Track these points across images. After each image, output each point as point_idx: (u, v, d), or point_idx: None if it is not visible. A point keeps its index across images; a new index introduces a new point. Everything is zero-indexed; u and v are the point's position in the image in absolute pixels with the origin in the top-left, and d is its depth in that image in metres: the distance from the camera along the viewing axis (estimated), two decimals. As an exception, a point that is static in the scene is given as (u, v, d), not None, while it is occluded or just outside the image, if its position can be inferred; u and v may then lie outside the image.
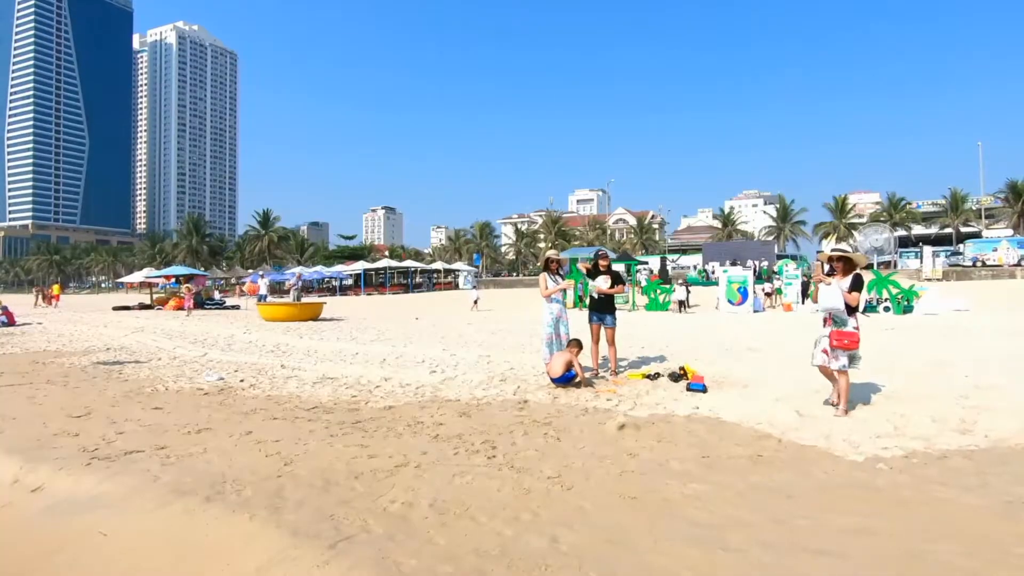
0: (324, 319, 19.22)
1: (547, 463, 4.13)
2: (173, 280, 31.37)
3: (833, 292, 5.24)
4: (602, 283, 7.46)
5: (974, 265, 48.91)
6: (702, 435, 4.80)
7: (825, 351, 5.32)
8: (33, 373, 8.74)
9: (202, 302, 27.53)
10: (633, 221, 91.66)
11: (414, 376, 7.80)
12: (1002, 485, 3.56)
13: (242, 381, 7.74)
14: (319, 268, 57.46)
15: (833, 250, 5.52)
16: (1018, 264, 47.36)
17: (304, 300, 26.14)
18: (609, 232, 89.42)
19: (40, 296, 36.92)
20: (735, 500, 3.43)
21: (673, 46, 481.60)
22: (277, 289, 51.30)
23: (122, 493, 3.74)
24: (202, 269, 62.40)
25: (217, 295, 34.98)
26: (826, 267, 5.55)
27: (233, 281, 57.65)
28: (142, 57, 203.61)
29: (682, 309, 20.35)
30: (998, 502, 3.31)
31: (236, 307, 27.56)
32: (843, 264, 5.36)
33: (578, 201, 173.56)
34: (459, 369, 8.31)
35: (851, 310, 5.27)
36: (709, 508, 3.32)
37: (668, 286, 25.23)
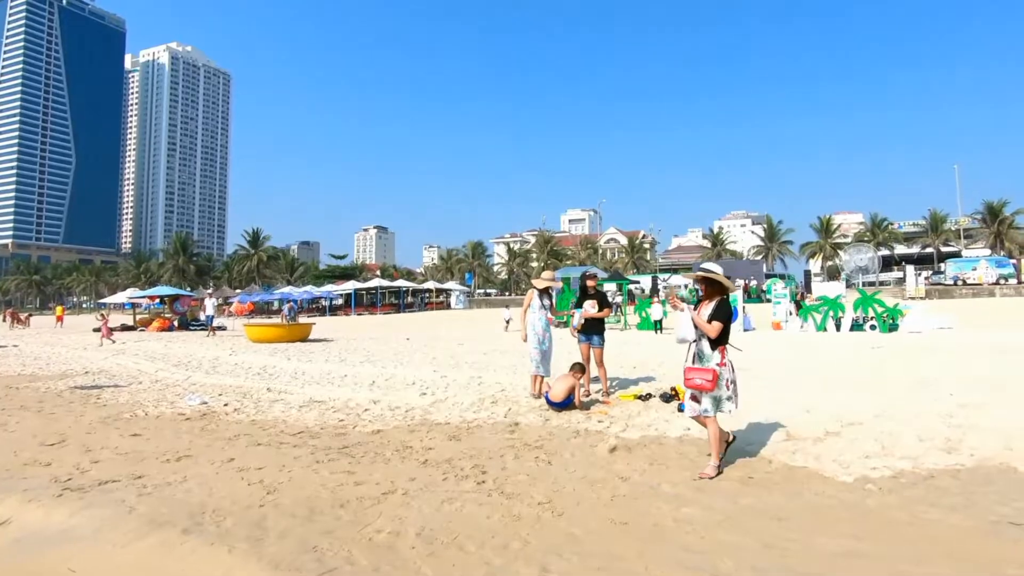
0: (312, 340, 19.03)
1: (538, 488, 4.08)
2: (158, 300, 30.98)
3: (685, 320, 4.45)
4: (589, 308, 7.55)
5: (955, 284, 50.29)
6: (693, 457, 4.78)
7: (694, 396, 4.45)
8: (6, 399, 8.53)
9: (187, 323, 27.14)
10: (624, 240, 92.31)
11: (403, 399, 7.72)
12: (988, 504, 3.57)
13: (226, 405, 7.61)
14: (309, 288, 57.09)
15: (699, 269, 4.69)
16: (997, 283, 48.82)
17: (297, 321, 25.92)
18: (600, 251, 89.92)
19: (14, 319, 36.10)
20: (726, 524, 3.40)
21: (664, 67, 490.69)
22: (264, 309, 50.99)
23: (95, 525, 3.62)
24: (188, 289, 61.82)
25: (203, 315, 34.44)
26: (681, 292, 4.71)
27: (220, 302, 57.05)
28: (134, 77, 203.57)
29: (658, 330, 20.04)
30: (984, 522, 3.32)
31: (223, 328, 27.22)
32: (707, 287, 4.55)
33: (570, 221, 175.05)
34: (450, 391, 8.23)
35: (715, 343, 4.39)
36: (700, 532, 3.29)
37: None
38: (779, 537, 3.19)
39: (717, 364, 4.37)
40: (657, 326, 19.98)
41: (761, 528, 3.33)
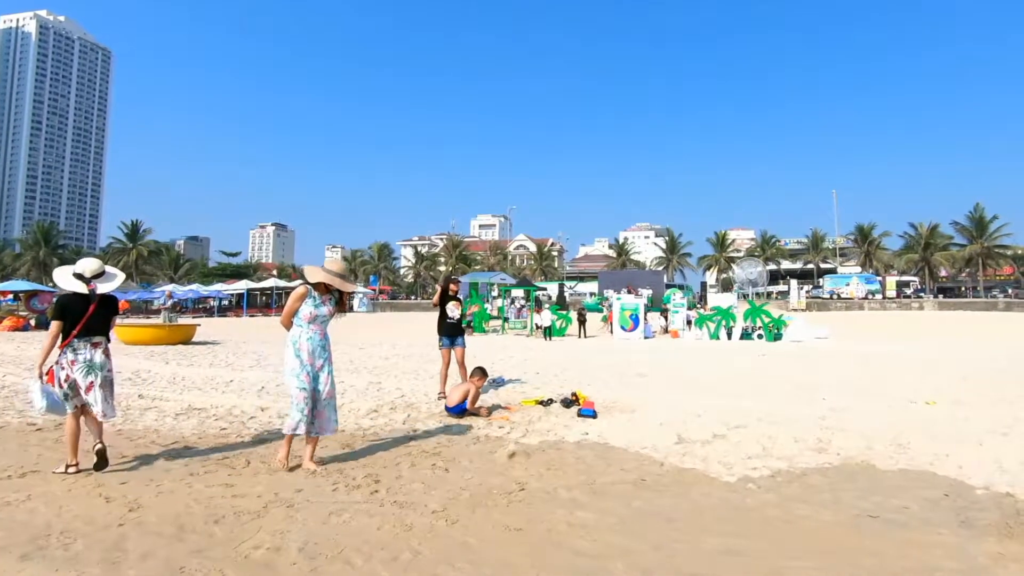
0: (197, 342, 17.55)
1: (433, 496, 3.95)
2: (11, 296, 27.30)
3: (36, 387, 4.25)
4: (452, 310, 8.07)
5: (831, 298, 56.68)
6: (590, 461, 4.85)
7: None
8: None
9: (45, 322, 24.05)
10: (533, 248, 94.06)
11: (295, 405, 7.25)
12: (851, 500, 3.90)
13: (88, 413, 6.77)
14: (195, 286, 52.83)
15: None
16: (865, 297, 55.70)
17: (179, 321, 23.70)
18: (510, 258, 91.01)
19: None
20: (618, 527, 3.45)
21: (574, 82, 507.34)
22: (143, 309, 46.53)
23: (-97, 557, 3.04)
24: (50, 285, 55.06)
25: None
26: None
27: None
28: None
29: (548, 336, 20.38)
30: (848, 516, 3.62)
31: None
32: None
33: (480, 226, 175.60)
34: (346, 397, 7.87)
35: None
36: (593, 536, 3.31)
37: (566, 312, 25.92)
38: (668, 538, 3.29)
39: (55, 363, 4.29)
40: (547, 333, 20.31)
41: (651, 530, 3.41)
